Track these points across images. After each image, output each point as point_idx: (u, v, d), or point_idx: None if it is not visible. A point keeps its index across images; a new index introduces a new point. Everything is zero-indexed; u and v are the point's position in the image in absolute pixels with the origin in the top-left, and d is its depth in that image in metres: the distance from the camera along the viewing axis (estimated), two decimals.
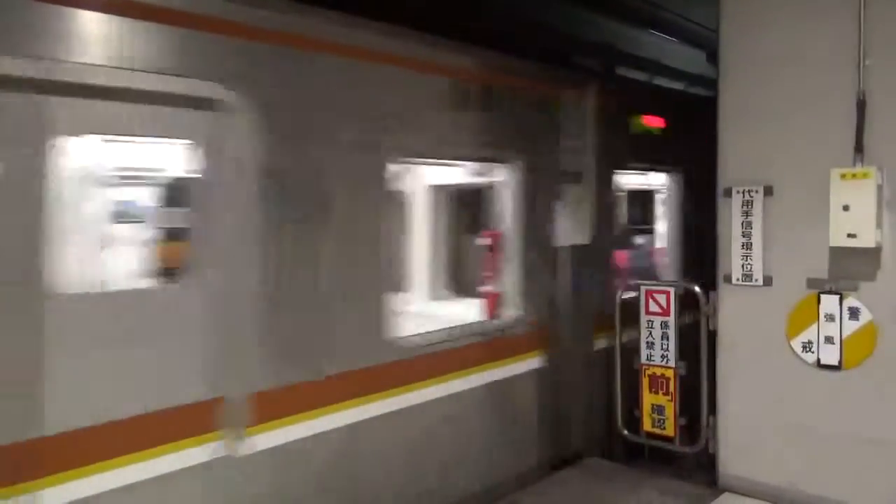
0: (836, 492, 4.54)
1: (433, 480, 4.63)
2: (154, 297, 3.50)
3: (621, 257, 7.31)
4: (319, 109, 3.94)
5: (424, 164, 6.02)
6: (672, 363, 5.43)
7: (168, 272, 4.46)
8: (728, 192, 4.95)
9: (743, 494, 4.88)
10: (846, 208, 4.34)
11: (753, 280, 4.84)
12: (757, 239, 4.81)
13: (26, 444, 2.91)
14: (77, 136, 3.15)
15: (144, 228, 5.35)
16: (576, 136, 5.68)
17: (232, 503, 3.58)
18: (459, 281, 6.91)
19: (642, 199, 7.93)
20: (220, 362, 3.49)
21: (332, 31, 4.06)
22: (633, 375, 5.66)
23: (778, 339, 4.74)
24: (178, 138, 3.46)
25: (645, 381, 5.57)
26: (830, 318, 4.54)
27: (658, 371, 5.50)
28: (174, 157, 3.84)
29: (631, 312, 5.76)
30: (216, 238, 3.48)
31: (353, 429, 4.10)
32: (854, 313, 4.46)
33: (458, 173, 5.80)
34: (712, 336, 5.13)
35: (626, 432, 5.73)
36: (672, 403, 5.43)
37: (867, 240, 4.30)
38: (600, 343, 5.96)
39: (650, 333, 5.54)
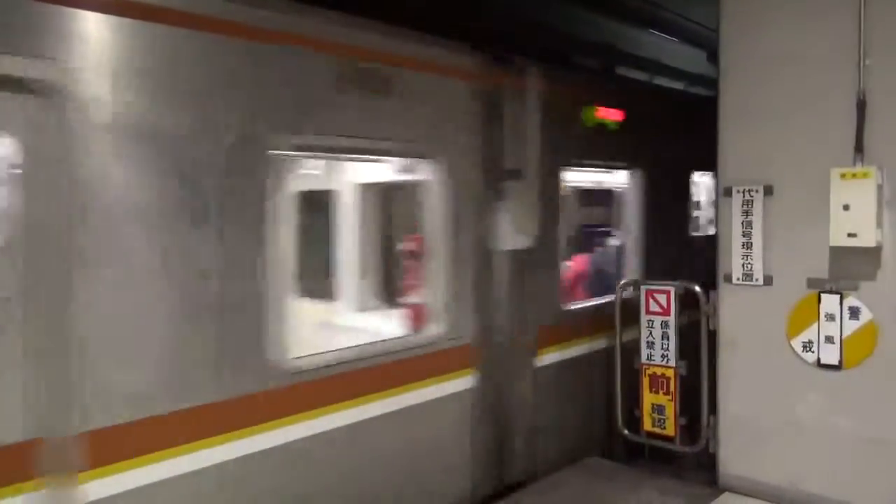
0: (837, 491, 4.54)
1: None
2: None
3: (580, 262, 7.09)
4: (180, 90, 3.37)
5: (336, 159, 5.44)
6: (672, 363, 5.43)
7: None
8: (728, 192, 4.95)
9: (743, 494, 4.88)
10: (846, 208, 4.34)
11: (754, 280, 4.84)
12: (757, 238, 4.81)
13: None
14: None
15: None
16: (516, 129, 5.18)
17: None
18: (392, 290, 6.29)
19: (601, 200, 7.43)
20: (37, 397, 2.92)
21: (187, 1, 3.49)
22: (633, 375, 5.66)
23: (778, 338, 4.74)
24: None
25: (645, 381, 5.57)
26: (831, 317, 4.54)
27: (658, 371, 5.50)
28: None
29: (609, 315, 5.78)
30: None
31: (216, 472, 3.43)
32: (854, 313, 4.46)
33: (388, 170, 5.27)
34: (713, 335, 5.13)
35: (626, 432, 5.73)
36: (672, 403, 5.43)
37: (867, 239, 4.30)
38: (550, 357, 5.54)
39: (650, 333, 5.54)
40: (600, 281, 6.80)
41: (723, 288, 5.01)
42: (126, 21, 3.19)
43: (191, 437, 3.35)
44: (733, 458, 5.00)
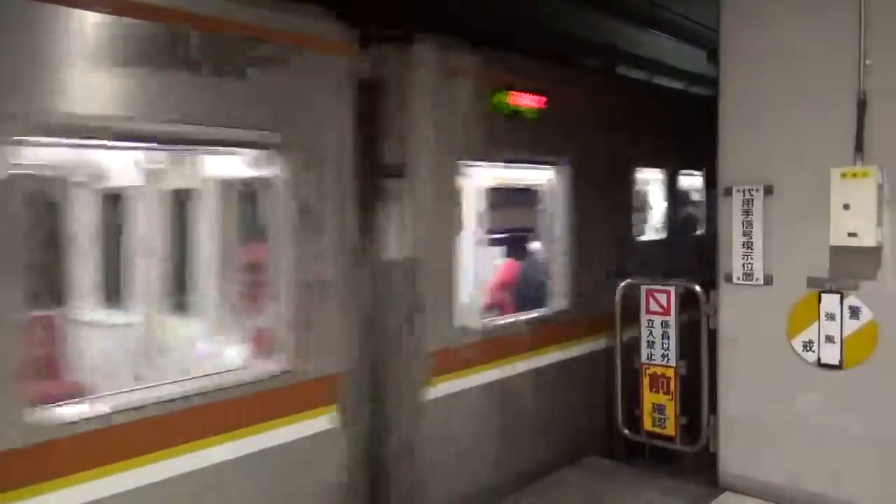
0: (837, 490, 4.54)
1: None
2: None
3: (508, 270, 6.50)
4: None
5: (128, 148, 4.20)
6: (672, 362, 5.43)
7: None
8: (728, 192, 4.94)
9: (744, 493, 4.88)
10: (847, 207, 4.34)
11: (754, 279, 4.83)
12: (757, 238, 4.81)
13: None
14: None
15: None
16: (402, 117, 4.45)
17: None
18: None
19: (520, 200, 6.46)
20: None
21: None
22: (633, 375, 5.66)
23: (778, 338, 4.74)
24: None
25: (645, 381, 5.57)
26: (831, 317, 4.54)
27: (658, 370, 5.50)
28: None
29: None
30: None
31: None
32: (855, 312, 4.46)
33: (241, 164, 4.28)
34: (713, 335, 5.13)
35: (626, 431, 5.73)
36: (672, 402, 5.43)
37: (868, 239, 4.30)
38: (449, 387, 4.72)
39: (650, 333, 5.54)
40: (532, 291, 6.01)
41: (723, 287, 5.01)
42: None
43: None
44: (733, 457, 5.00)
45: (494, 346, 5.07)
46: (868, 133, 4.38)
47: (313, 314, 3.97)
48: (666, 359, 5.46)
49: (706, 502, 4.82)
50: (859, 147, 4.39)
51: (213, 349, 4.51)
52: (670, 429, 5.45)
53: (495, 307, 6.10)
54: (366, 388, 4.33)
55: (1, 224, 2.84)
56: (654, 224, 7.58)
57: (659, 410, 5.50)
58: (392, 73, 4.41)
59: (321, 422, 3.99)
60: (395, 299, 4.48)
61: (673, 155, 7.06)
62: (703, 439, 5.27)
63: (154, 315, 4.86)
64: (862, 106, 4.38)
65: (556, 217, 5.71)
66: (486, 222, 5.61)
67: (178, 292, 4.86)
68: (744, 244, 4.86)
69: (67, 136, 3.26)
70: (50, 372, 4.55)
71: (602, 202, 6.02)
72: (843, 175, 4.36)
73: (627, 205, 6.53)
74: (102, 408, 3.14)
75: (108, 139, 3.43)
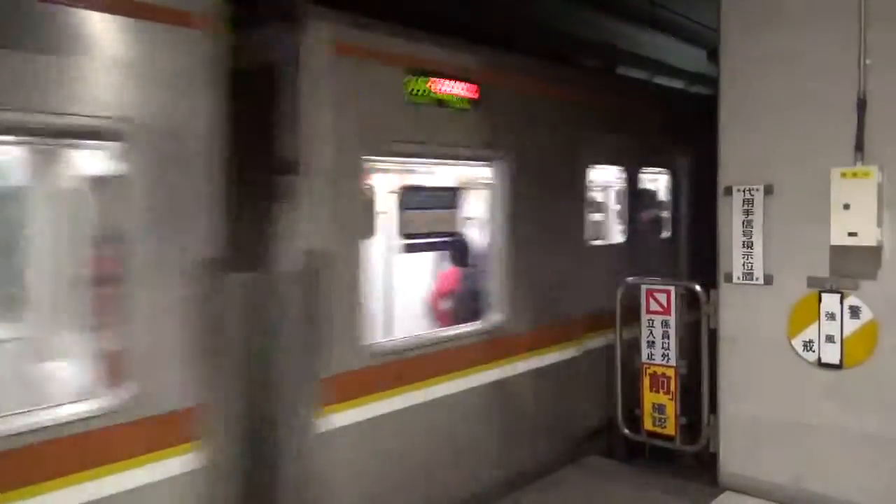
0: (837, 490, 4.54)
1: None
2: None
3: (449, 279, 5.83)
4: None
5: None
6: (673, 362, 5.44)
7: None
8: (728, 191, 4.94)
9: (744, 493, 4.88)
10: (847, 207, 4.34)
11: (754, 279, 4.84)
12: (758, 238, 4.81)
13: None
14: None
15: None
16: (289, 105, 3.87)
17: None
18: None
19: (443, 201, 5.73)
20: None
21: None
22: (633, 374, 5.66)
23: (779, 337, 4.74)
24: None
25: (646, 380, 5.57)
26: (831, 316, 4.54)
27: (659, 370, 5.50)
28: None
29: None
30: None
31: None
32: (855, 312, 4.46)
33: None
34: (713, 334, 5.13)
35: (626, 431, 5.73)
36: (673, 402, 5.43)
37: (868, 238, 4.31)
38: (353, 415, 4.08)
39: (651, 332, 5.54)
40: (476, 303, 5.35)
41: (723, 287, 5.01)
42: None
43: None
44: (734, 456, 5.00)
45: (414, 367, 4.43)
46: (868, 133, 4.38)
47: (163, 336, 3.35)
48: (666, 358, 5.46)
49: (706, 502, 4.82)
50: (859, 147, 4.39)
51: (39, 375, 3.78)
52: (670, 428, 5.45)
53: (436, 320, 5.70)
54: (238, 421, 3.68)
55: None
56: (611, 227, 7.09)
57: (659, 410, 5.50)
58: (283, 56, 3.83)
59: (174, 464, 3.36)
60: (282, 316, 3.87)
61: (635, 152, 6.50)
62: (703, 439, 5.27)
63: None
64: (862, 106, 4.39)
65: (493, 220, 5.10)
66: (405, 226, 5.10)
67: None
68: (744, 244, 4.87)
69: None
70: None
71: (549, 203, 5.46)
72: (844, 175, 4.36)
73: (579, 206, 5.88)
74: None
75: None
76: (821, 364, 4.59)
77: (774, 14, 4.76)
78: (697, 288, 5.31)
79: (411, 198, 5.36)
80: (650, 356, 5.54)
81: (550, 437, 5.55)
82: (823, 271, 4.57)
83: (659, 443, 5.59)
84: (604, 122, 5.90)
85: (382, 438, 4.27)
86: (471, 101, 4.75)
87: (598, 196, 6.85)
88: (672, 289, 5.48)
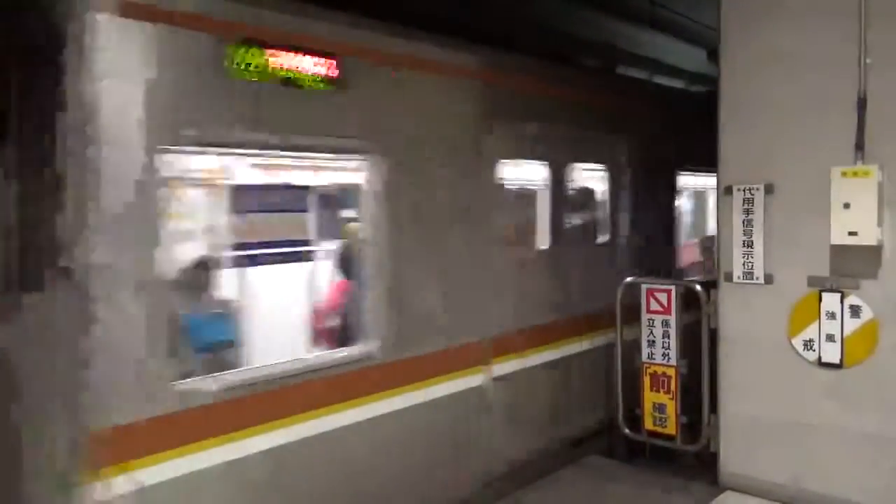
0: (838, 489, 4.54)
1: None
2: None
3: (337, 294, 4.88)
4: None
5: None
6: (673, 361, 5.43)
7: None
8: (729, 191, 4.94)
9: (744, 492, 4.88)
10: (847, 206, 4.34)
11: (755, 278, 4.83)
12: (758, 237, 4.81)
13: None
14: None
15: None
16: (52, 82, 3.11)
17: None
18: None
19: (288, 201, 4.79)
20: None
21: None
22: (634, 374, 5.65)
23: (779, 337, 4.74)
24: None
25: (646, 380, 5.56)
26: (832, 316, 4.54)
27: (659, 369, 5.50)
28: None
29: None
30: None
31: None
32: (855, 311, 4.46)
33: None
34: (713, 334, 5.13)
35: (627, 431, 5.73)
36: (673, 402, 5.42)
37: (868, 238, 4.30)
38: (142, 478, 3.17)
39: (651, 332, 5.54)
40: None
41: (723, 286, 5.01)
42: None
43: None
44: (734, 456, 4.99)
45: (244, 410, 3.57)
46: (869, 132, 4.38)
47: None
48: (667, 358, 5.46)
49: (707, 501, 4.82)
50: (860, 146, 4.39)
51: None
52: (671, 428, 5.45)
53: (319, 342, 4.97)
54: None
55: None
56: (528, 233, 5.77)
57: (660, 409, 5.50)
58: (36, 29, 3.17)
59: None
60: (32, 355, 3.14)
61: (562, 144, 5.64)
62: (703, 438, 5.27)
63: None
64: (862, 105, 4.38)
65: (365, 226, 4.32)
66: (238, 233, 4.14)
67: None
68: (744, 243, 4.86)
69: None
70: None
71: (439, 205, 4.63)
72: (844, 174, 4.36)
73: (484, 208, 4.94)
74: None
75: None
76: (821, 363, 4.59)
77: (775, 13, 4.75)
78: (698, 287, 5.31)
79: (247, 199, 4.19)
80: (650, 356, 5.54)
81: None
82: (824, 270, 4.56)
83: (659, 442, 5.59)
84: (520, 110, 5.11)
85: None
86: (330, 80, 3.89)
87: (515, 197, 5.71)
88: (672, 288, 5.48)
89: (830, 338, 4.55)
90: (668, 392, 5.45)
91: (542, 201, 5.70)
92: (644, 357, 5.57)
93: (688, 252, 8.04)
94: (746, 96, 4.86)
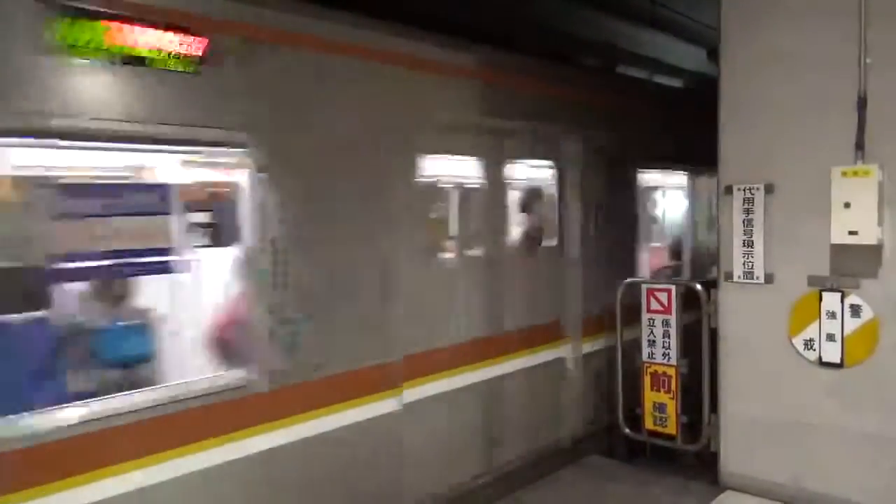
0: (838, 489, 4.54)
1: None
2: None
3: (237, 305, 3.92)
4: None
5: None
6: (674, 361, 5.44)
7: None
8: (729, 190, 4.94)
9: (745, 492, 4.88)
10: (847, 206, 4.34)
11: (755, 278, 4.83)
12: (758, 237, 4.81)
13: None
14: None
15: None
16: None
17: None
18: None
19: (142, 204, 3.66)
20: None
21: None
22: (634, 374, 5.66)
23: (779, 336, 4.74)
24: None
25: (647, 379, 5.57)
26: (832, 315, 4.54)
27: (660, 369, 5.50)
28: None
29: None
30: None
31: None
32: (856, 311, 4.46)
33: None
34: (714, 334, 5.13)
35: (627, 430, 5.73)
36: (674, 401, 5.43)
37: (868, 237, 4.30)
38: None
39: (651, 331, 5.54)
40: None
41: (724, 286, 5.01)
42: None
43: None
44: (734, 456, 5.00)
45: (67, 456, 2.96)
46: (869, 131, 4.38)
47: None
48: (667, 357, 5.47)
49: (707, 501, 4.82)
50: (860, 145, 4.39)
51: None
52: (671, 428, 5.45)
53: (218, 359, 4.13)
54: None
55: None
56: (447, 239, 5.02)
57: (660, 409, 5.50)
58: None
59: None
60: None
61: (501, 138, 5.05)
62: (704, 438, 5.27)
63: None
64: (863, 104, 4.38)
65: (235, 232, 3.71)
66: (58, 241, 3.28)
67: None
68: (744, 243, 4.86)
69: None
70: None
71: (332, 208, 4.00)
72: (844, 173, 4.36)
73: (388, 212, 4.30)
74: None
75: None
76: (821, 363, 4.59)
77: (775, 13, 4.75)
78: (698, 287, 5.31)
79: (76, 200, 3.32)
80: (651, 355, 5.54)
81: None
82: (824, 270, 4.56)
83: (660, 442, 5.60)
84: (445, 99, 4.56)
85: None
86: (194, 60, 3.32)
87: (440, 198, 5.00)
88: (672, 288, 5.48)
89: (831, 337, 4.55)
90: (668, 392, 5.46)
91: (462, 200, 5.03)
92: (644, 357, 5.58)
93: (655, 256, 7.50)
94: (746, 96, 4.86)
